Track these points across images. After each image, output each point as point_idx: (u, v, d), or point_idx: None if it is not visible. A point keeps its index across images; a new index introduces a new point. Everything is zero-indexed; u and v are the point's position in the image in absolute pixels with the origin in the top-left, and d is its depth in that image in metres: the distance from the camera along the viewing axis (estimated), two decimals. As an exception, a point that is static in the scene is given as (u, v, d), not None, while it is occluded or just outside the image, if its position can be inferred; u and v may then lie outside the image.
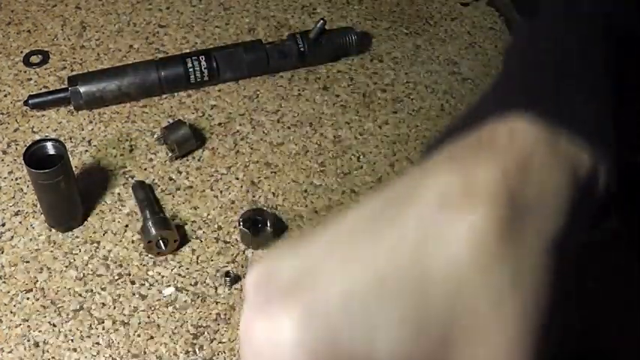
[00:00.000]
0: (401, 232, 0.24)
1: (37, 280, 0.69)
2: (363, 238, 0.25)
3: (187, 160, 0.79)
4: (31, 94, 0.83)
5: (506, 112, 0.28)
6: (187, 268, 0.70)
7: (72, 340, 0.65)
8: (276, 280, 0.26)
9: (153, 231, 0.69)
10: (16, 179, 0.77)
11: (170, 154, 0.79)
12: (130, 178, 0.77)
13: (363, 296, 0.23)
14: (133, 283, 0.69)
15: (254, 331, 0.25)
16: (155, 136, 0.81)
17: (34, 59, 0.89)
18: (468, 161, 0.26)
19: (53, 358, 0.64)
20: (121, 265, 0.70)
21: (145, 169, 0.78)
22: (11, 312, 0.67)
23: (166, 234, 0.70)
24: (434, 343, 0.23)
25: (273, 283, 0.26)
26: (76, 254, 0.71)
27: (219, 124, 0.83)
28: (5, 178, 0.77)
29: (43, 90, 0.85)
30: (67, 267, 0.70)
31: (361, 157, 0.81)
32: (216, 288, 0.69)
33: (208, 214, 0.75)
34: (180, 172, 0.78)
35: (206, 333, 0.66)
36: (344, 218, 0.27)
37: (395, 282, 0.23)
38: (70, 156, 0.70)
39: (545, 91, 0.31)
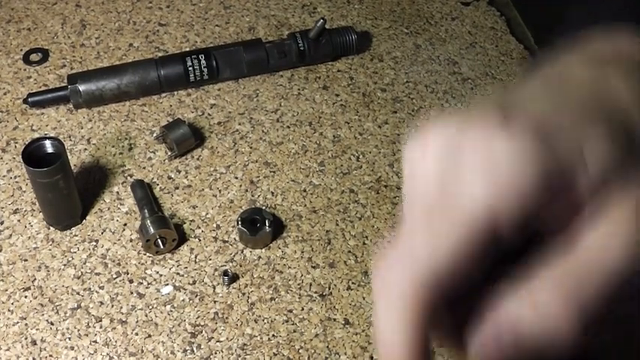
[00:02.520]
0: (578, 82, 0.30)
1: (35, 279, 0.69)
2: (544, 90, 0.30)
3: (186, 159, 0.79)
4: (31, 92, 0.83)
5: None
6: (185, 267, 0.70)
7: (69, 339, 0.65)
8: (491, 113, 0.29)
9: (151, 230, 0.69)
10: (15, 177, 0.77)
11: (169, 153, 0.79)
12: (128, 177, 0.77)
13: (572, 114, 0.28)
14: (131, 281, 0.69)
15: (495, 145, 0.28)
16: (154, 134, 0.80)
17: (34, 57, 0.89)
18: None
19: (50, 356, 0.64)
20: (119, 264, 0.70)
21: (144, 168, 0.78)
22: (9, 310, 0.67)
23: (165, 233, 0.70)
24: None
25: (490, 115, 0.28)
26: (75, 253, 0.71)
27: (219, 123, 0.83)
28: (4, 176, 0.77)
29: (43, 88, 0.85)
30: (65, 265, 0.70)
31: (360, 156, 0.81)
32: (214, 287, 0.69)
33: (207, 213, 0.74)
34: (179, 171, 0.78)
35: (204, 332, 0.66)
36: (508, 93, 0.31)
37: (585, 106, 0.29)
38: (68, 154, 0.70)
39: None
